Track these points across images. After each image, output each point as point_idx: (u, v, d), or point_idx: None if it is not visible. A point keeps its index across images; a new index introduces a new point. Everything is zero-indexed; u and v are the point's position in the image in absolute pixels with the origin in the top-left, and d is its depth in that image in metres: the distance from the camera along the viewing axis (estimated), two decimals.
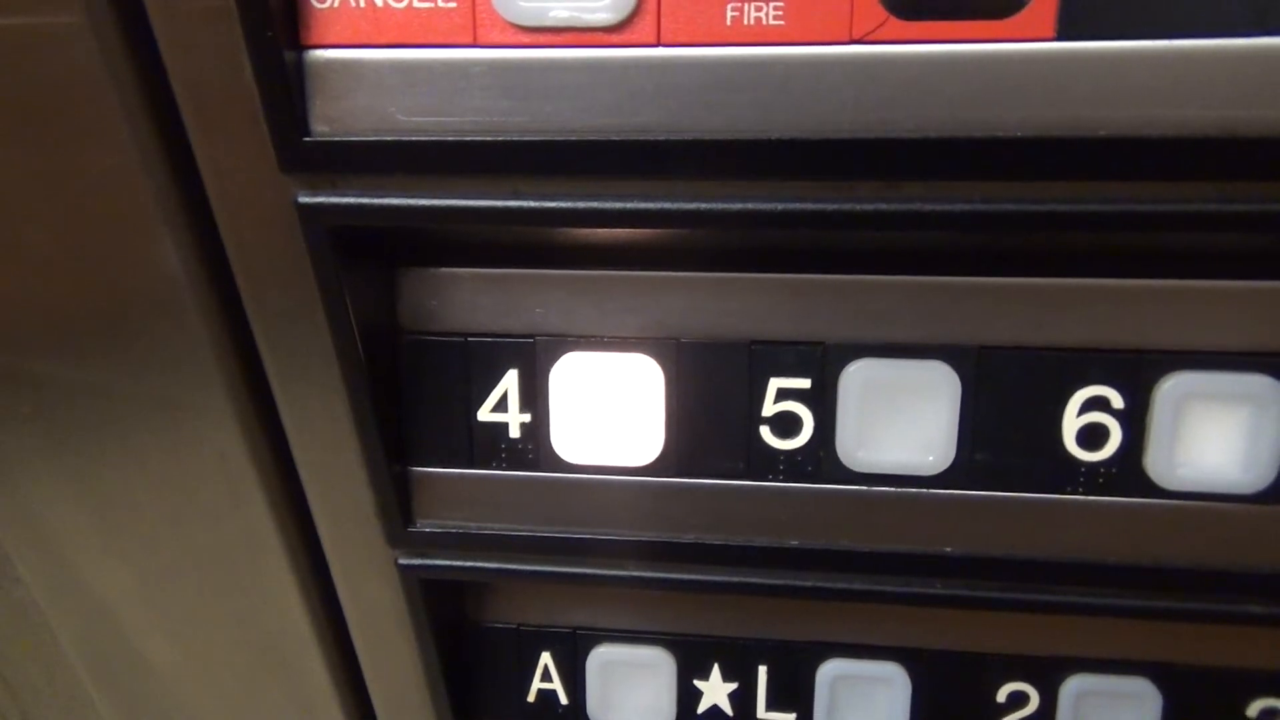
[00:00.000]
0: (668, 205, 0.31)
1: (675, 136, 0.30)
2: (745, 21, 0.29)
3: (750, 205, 0.31)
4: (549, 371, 0.37)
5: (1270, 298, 0.33)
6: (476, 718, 0.47)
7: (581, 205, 0.31)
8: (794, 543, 0.38)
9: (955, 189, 0.30)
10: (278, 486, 0.40)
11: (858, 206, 0.30)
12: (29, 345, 0.37)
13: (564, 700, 0.46)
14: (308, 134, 0.31)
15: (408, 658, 0.44)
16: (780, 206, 0.31)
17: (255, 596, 0.44)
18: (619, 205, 0.32)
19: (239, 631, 0.45)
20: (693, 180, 0.31)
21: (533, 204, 0.32)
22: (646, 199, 0.31)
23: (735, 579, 0.39)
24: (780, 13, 0.29)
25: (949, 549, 0.37)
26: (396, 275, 0.37)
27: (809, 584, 0.39)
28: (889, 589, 0.38)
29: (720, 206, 0.31)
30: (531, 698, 0.46)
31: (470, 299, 0.37)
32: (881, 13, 0.28)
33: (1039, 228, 0.30)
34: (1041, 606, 0.38)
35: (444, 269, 0.37)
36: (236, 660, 0.46)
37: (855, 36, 0.29)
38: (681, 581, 0.39)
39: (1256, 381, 0.33)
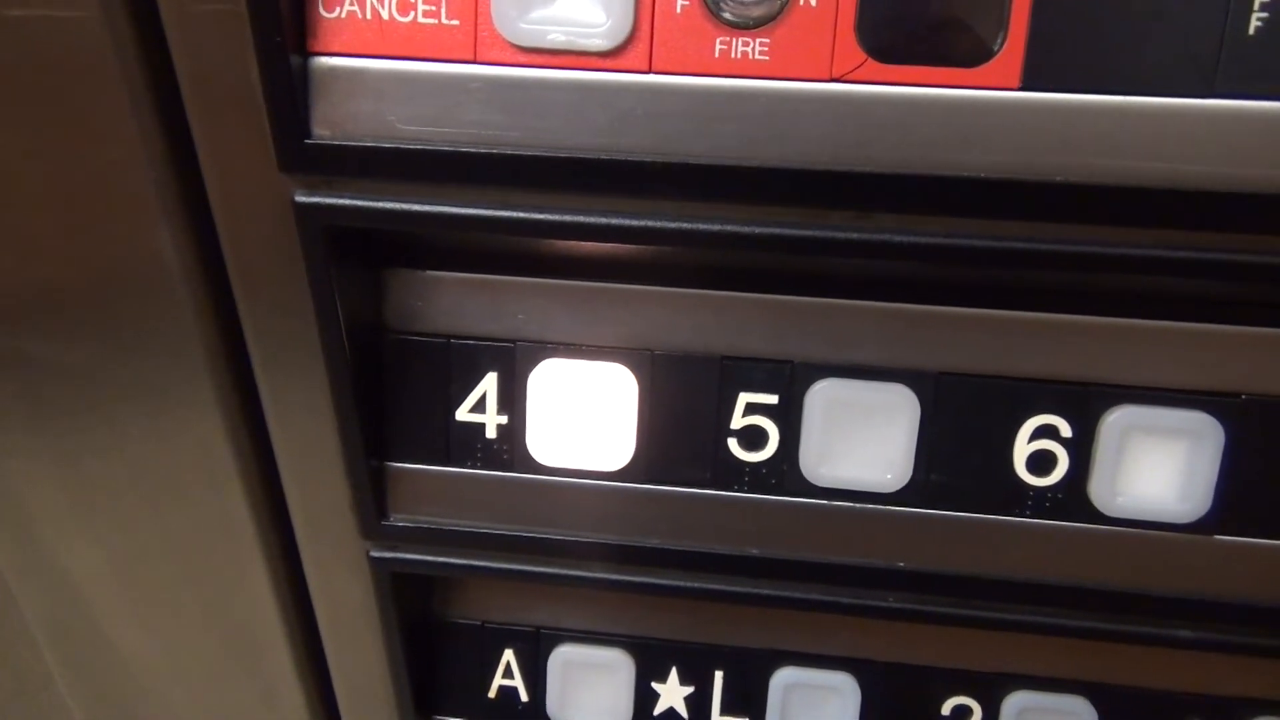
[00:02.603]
0: (650, 223, 0.33)
1: (660, 159, 0.32)
2: (732, 55, 0.31)
3: (729, 227, 0.32)
4: (527, 376, 0.38)
5: (1210, 339, 0.35)
6: (437, 712, 0.48)
7: (569, 219, 0.33)
8: (754, 551, 0.39)
9: (922, 222, 0.32)
10: (256, 476, 0.41)
11: (830, 234, 0.32)
12: (19, 325, 0.38)
13: (524, 697, 0.47)
14: (308, 136, 0.32)
15: (373, 650, 0.45)
16: (757, 230, 0.32)
17: (226, 583, 0.44)
18: (604, 221, 0.33)
19: (207, 617, 0.46)
20: (675, 201, 0.32)
21: (522, 215, 0.33)
22: (630, 216, 0.33)
23: (696, 584, 0.40)
24: (766, 49, 0.30)
25: (902, 564, 0.39)
26: (384, 276, 0.38)
27: (767, 592, 0.40)
28: (843, 600, 0.40)
29: (700, 227, 0.33)
30: (492, 694, 0.47)
31: (455, 302, 0.38)
32: (860, 54, 0.30)
33: (999, 263, 0.32)
34: (987, 623, 0.39)
35: (430, 272, 0.38)
36: (203, 645, 0.47)
37: (835, 75, 0.30)
38: (645, 585, 0.41)
39: (1195, 418, 0.35)
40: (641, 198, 0.32)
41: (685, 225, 0.33)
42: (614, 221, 0.33)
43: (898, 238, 0.32)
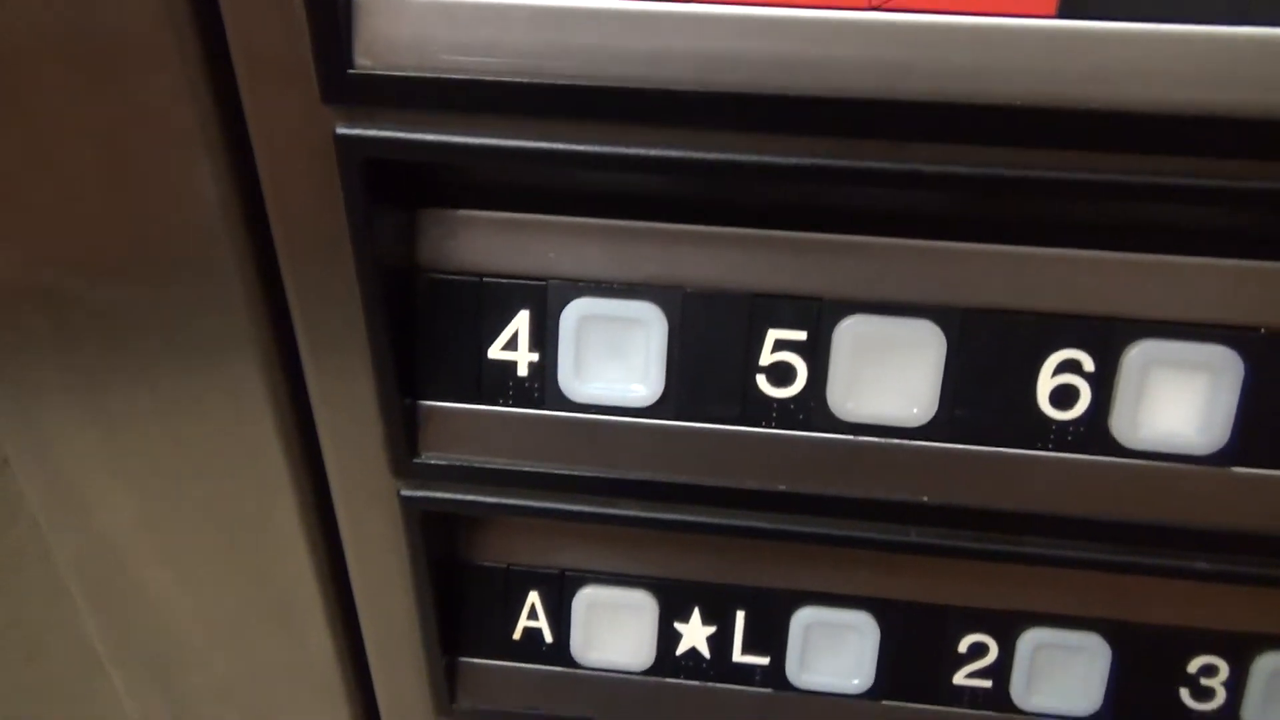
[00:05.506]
0: (690, 154, 0.33)
1: (699, 89, 0.32)
2: None
3: (765, 158, 0.33)
4: (559, 314, 0.39)
5: (1231, 274, 0.35)
6: (463, 653, 0.49)
7: (608, 150, 0.33)
8: (782, 487, 0.40)
9: (956, 152, 0.32)
10: (289, 415, 0.42)
11: (864, 164, 0.33)
12: (57, 263, 0.39)
13: (549, 638, 0.47)
14: (351, 66, 0.33)
15: (401, 591, 0.46)
16: (793, 160, 0.33)
17: (256, 525, 0.45)
18: (640, 152, 0.33)
19: (236, 558, 0.46)
20: (714, 131, 0.33)
21: (560, 146, 0.33)
22: (665, 148, 0.33)
23: (723, 520, 0.41)
24: None
25: (926, 498, 0.39)
26: (418, 215, 0.39)
27: (793, 528, 0.41)
28: (868, 535, 0.41)
29: (738, 158, 0.33)
30: (517, 635, 0.48)
31: (487, 241, 0.39)
32: None
33: (1029, 192, 0.32)
34: (1009, 556, 0.40)
35: (463, 211, 0.38)
36: (232, 587, 0.47)
37: (873, 3, 0.31)
38: (672, 521, 0.41)
39: (1216, 352, 0.36)
40: (679, 127, 0.33)
41: (722, 156, 0.33)
42: (650, 153, 0.33)
43: (930, 168, 0.32)
